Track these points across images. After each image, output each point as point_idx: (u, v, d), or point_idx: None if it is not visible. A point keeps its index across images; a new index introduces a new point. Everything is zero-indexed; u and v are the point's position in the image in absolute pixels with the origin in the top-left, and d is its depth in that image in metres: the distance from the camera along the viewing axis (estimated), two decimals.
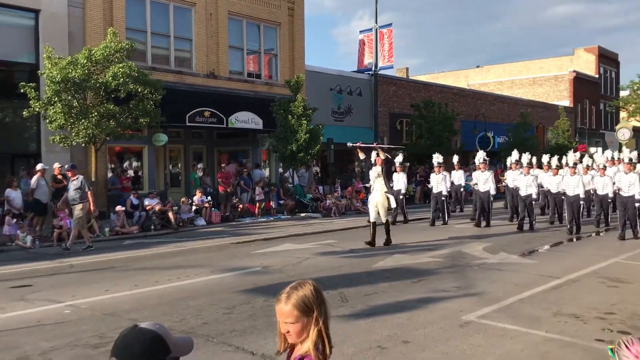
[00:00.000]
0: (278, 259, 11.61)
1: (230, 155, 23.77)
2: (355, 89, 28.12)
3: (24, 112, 15.50)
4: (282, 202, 21.17)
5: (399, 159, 19.20)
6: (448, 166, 21.55)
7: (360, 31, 29.43)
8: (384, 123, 29.56)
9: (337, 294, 8.30)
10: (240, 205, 20.09)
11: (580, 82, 49.75)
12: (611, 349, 2.18)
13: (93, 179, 16.79)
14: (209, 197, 19.07)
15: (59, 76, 14.86)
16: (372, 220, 13.43)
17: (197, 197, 18.56)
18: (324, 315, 2.37)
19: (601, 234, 15.95)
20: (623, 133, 35.93)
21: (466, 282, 9.27)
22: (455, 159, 21.00)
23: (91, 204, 13.45)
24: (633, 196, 14.17)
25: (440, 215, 18.26)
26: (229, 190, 20.09)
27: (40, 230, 15.13)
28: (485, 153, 18.06)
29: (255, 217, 19.88)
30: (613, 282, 9.25)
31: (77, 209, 13.23)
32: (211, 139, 22.88)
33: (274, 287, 8.91)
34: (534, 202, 16.53)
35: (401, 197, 18.43)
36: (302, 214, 20.80)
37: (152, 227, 16.65)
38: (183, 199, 18.48)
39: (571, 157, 17.71)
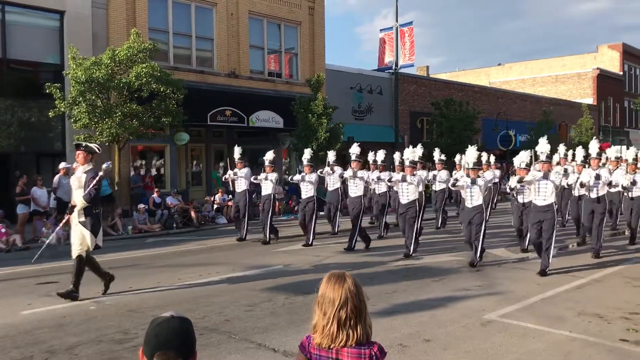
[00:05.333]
0: (299, 257, 11.67)
1: (251, 154, 23.88)
2: (375, 87, 28.08)
3: (49, 112, 15.78)
4: None
5: (269, 156, 14.04)
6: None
7: (381, 30, 29.30)
8: (405, 122, 29.49)
9: None
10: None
11: (604, 79, 49.03)
12: None
13: (116, 178, 17.05)
14: (231, 196, 19.18)
15: (83, 76, 15.09)
16: (73, 256, 8.14)
17: (219, 195, 18.73)
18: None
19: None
20: None
21: (488, 281, 9.22)
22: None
23: None
24: (550, 206, 9.88)
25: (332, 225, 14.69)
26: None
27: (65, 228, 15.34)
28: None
29: (276, 215, 19.92)
30: (638, 282, 9.13)
31: None
32: (232, 138, 22.98)
33: (295, 285, 8.97)
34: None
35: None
36: (322, 212, 20.79)
37: (174, 225, 16.83)
38: (207, 198, 18.71)
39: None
